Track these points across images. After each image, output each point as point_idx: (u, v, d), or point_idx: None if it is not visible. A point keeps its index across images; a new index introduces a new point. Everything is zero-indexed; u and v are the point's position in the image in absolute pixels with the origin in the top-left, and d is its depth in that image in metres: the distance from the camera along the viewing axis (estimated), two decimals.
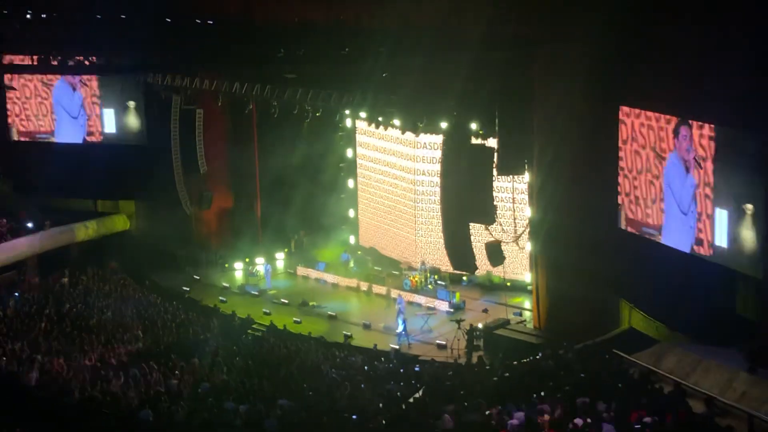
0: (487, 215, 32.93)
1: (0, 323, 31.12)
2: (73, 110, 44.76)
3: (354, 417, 22.40)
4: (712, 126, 24.06)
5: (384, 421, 21.50)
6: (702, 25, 23.93)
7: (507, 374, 24.87)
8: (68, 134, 45.01)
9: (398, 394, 24.60)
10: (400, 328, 31.76)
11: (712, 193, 24.30)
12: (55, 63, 34.37)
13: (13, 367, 27.02)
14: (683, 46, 24.63)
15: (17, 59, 38.18)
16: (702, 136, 24.50)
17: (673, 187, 25.93)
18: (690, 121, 24.81)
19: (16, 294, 35.07)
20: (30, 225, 41.32)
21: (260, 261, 41.31)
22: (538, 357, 26.80)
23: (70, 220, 42.50)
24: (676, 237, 26.14)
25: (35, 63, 34.76)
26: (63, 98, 44.79)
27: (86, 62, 34.60)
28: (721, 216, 24.07)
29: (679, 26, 24.90)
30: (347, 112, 39.08)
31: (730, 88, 22.80)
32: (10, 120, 45.46)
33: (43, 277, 38.03)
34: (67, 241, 41.46)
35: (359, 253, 41.77)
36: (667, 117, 25.60)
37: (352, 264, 40.88)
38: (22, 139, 45.68)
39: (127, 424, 22.88)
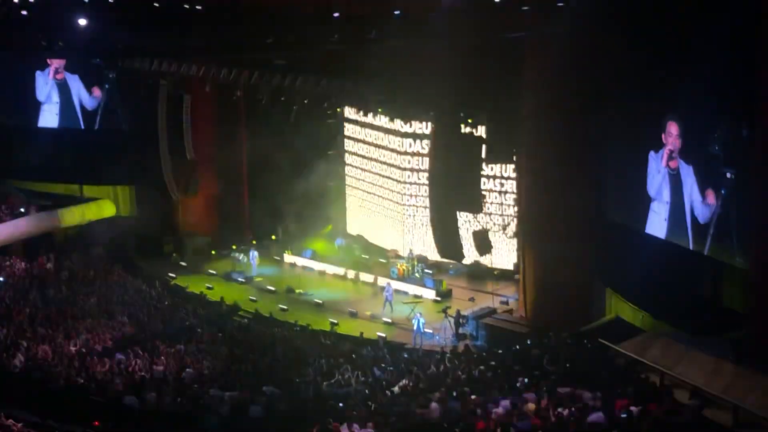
0: (475, 204, 32.94)
1: None
2: (42, 95, 44.60)
3: (340, 405, 22.43)
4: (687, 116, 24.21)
5: (371, 408, 21.55)
6: (687, 16, 23.95)
7: (493, 362, 24.94)
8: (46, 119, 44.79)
9: (384, 381, 24.64)
10: (415, 326, 31.61)
11: (691, 182, 24.40)
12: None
13: None
14: (669, 36, 24.63)
15: None
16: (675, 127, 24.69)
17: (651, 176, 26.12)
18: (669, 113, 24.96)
19: (0, 279, 34.88)
20: (23, 209, 41.11)
21: (247, 248, 41.19)
22: (524, 346, 26.85)
23: (55, 205, 42.27)
24: (658, 227, 26.23)
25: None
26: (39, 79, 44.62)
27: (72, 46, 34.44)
28: (702, 205, 24.16)
29: (664, 15, 24.90)
30: (336, 99, 38.93)
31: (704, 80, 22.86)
32: None
33: (28, 262, 37.82)
34: (52, 226, 41.24)
35: (346, 241, 41.71)
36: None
37: (338, 252, 40.84)
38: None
39: (112, 410, 22.88)
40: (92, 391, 24.01)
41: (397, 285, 36.23)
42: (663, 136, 25.22)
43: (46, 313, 31.09)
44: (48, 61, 43.42)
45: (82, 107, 43.95)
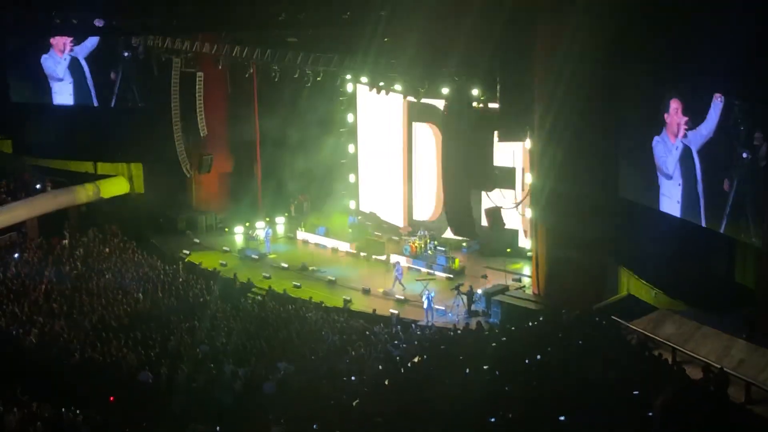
0: (488, 181, 32.92)
1: (0, 284, 31.21)
2: (58, 73, 44.77)
3: (353, 378, 22.54)
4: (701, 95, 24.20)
5: (385, 383, 21.65)
6: None
7: (504, 339, 24.98)
8: (61, 97, 45.01)
9: (398, 358, 24.73)
10: (425, 305, 31.66)
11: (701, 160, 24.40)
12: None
13: (13, 329, 27.17)
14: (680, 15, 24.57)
15: None
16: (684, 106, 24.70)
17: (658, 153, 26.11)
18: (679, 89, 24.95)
19: (17, 255, 35.10)
20: (38, 186, 41.31)
21: (260, 225, 41.31)
22: (536, 323, 26.89)
23: (70, 183, 42.45)
24: (671, 205, 26.23)
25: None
26: (47, 61, 44.80)
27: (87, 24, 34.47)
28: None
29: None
30: (348, 76, 38.87)
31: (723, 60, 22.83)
32: None
33: (44, 239, 38.04)
34: (67, 203, 41.42)
35: (359, 218, 41.78)
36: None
37: (350, 229, 40.95)
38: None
39: (126, 385, 23.06)
40: (107, 367, 24.21)
41: (409, 263, 36.33)
42: (666, 115, 25.23)
43: (62, 289, 31.28)
44: (51, 41, 43.61)
45: (96, 85, 44.16)
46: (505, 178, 34.51)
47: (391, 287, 34.37)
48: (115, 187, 44.28)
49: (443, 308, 32.11)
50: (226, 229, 42.43)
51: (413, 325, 30.22)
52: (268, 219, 42.04)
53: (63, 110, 45.14)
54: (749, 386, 19.80)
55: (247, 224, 41.79)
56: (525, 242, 36.13)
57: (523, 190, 34.21)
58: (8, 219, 37.76)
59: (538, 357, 21.84)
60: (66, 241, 37.74)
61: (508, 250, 36.59)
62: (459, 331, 26.83)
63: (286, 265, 37.80)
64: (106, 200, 43.42)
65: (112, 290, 31.59)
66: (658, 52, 25.60)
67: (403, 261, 36.44)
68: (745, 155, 23.15)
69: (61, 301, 29.87)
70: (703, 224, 25.07)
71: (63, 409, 20.91)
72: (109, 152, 44.55)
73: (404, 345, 26.49)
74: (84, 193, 42.32)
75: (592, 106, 28.80)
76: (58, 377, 23.37)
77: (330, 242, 40.09)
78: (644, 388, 18.43)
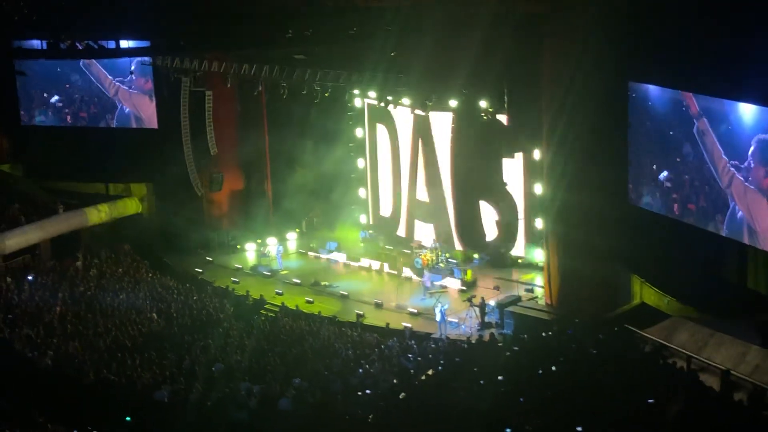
0: (498, 193, 32.94)
1: (15, 307, 31.34)
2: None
3: (368, 392, 22.56)
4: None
5: (400, 397, 21.66)
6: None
7: (518, 350, 24.97)
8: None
9: (411, 371, 24.74)
10: (438, 317, 31.70)
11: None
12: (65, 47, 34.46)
13: (28, 351, 27.28)
14: (693, 21, 24.59)
15: None
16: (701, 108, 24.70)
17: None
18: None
19: (30, 278, 35.25)
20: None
21: (272, 242, 41.38)
22: (550, 333, 26.87)
23: (82, 204, 42.62)
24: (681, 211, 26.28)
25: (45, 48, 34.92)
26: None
27: (95, 46, 34.66)
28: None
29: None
30: (356, 92, 38.98)
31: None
32: None
33: (57, 261, 38.19)
34: (79, 225, 41.58)
35: (370, 232, 41.82)
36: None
37: (362, 243, 41.01)
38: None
39: (142, 404, 23.12)
40: (122, 387, 24.29)
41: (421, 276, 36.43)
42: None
43: (76, 310, 31.39)
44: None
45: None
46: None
47: (423, 296, 34.78)
48: (127, 207, 44.44)
49: (456, 320, 32.11)
50: (238, 247, 42.49)
51: (427, 339, 30.23)
52: (279, 235, 42.10)
53: (74, 132, 45.50)
54: (764, 392, 19.75)
55: (259, 241, 41.86)
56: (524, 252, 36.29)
57: (524, 200, 34.30)
58: (21, 242, 37.94)
59: (553, 368, 21.83)
60: (79, 263, 37.88)
61: (520, 260, 36.59)
62: (472, 343, 26.84)
63: (298, 281, 37.85)
64: (119, 220, 43.59)
65: (126, 310, 31.70)
66: (672, 61, 25.61)
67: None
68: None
69: (76, 323, 29.99)
70: (715, 230, 25.13)
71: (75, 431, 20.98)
72: (121, 173, 44.75)
73: (418, 358, 26.50)
74: (96, 215, 42.47)
75: (602, 115, 28.82)
76: (73, 398, 23.45)
77: (342, 257, 40.14)
78: (659, 396, 18.41)
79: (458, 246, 37.03)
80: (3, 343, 28.04)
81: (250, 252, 41.84)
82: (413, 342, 29.13)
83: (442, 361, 25.14)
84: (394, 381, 23.84)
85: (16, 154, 47.00)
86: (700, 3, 24.34)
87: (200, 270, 39.67)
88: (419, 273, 36.55)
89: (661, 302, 27.48)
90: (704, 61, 23.95)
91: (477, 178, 32.85)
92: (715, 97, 24.46)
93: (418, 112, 35.67)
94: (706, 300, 25.41)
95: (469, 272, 36.03)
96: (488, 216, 34.32)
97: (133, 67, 43.48)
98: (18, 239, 37.76)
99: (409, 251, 39.20)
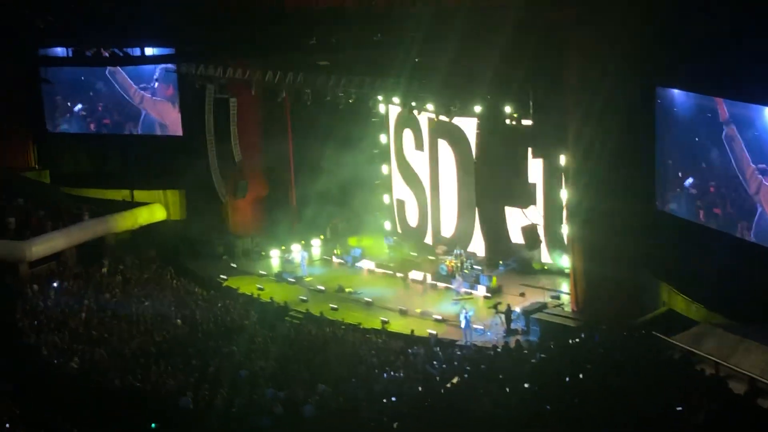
0: (524, 198, 32.79)
1: (40, 313, 31.46)
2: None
3: (393, 399, 22.45)
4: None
5: (425, 404, 21.55)
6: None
7: (544, 357, 24.80)
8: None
9: (437, 378, 24.61)
10: (463, 324, 31.60)
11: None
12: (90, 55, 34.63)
13: (53, 358, 27.35)
14: (719, 25, 24.40)
15: None
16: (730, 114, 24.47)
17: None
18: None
19: (56, 284, 35.38)
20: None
21: (296, 248, 41.41)
22: (576, 340, 26.70)
23: (107, 211, 42.80)
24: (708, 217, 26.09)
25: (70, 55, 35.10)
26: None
27: (120, 54, 34.79)
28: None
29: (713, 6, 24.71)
30: (380, 98, 38.96)
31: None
32: None
33: (83, 268, 38.32)
34: (104, 232, 41.75)
35: (395, 239, 41.76)
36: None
37: (387, 250, 40.92)
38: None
39: (167, 411, 23.11)
40: (147, 393, 24.29)
41: (446, 282, 36.32)
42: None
43: (101, 317, 31.48)
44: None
45: None
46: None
47: (455, 300, 34.79)
48: (153, 214, 44.61)
49: (481, 327, 31.98)
50: (263, 253, 42.54)
51: (452, 346, 30.11)
52: (303, 242, 42.08)
53: (98, 139, 45.80)
54: None
55: (283, 248, 41.91)
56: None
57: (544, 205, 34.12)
58: (47, 248, 38.11)
59: (579, 375, 21.66)
60: (104, 269, 37.99)
61: (546, 267, 36.42)
62: (498, 350, 26.68)
63: (322, 288, 37.83)
64: (144, 227, 43.75)
65: (151, 316, 31.75)
66: (703, 65, 25.40)
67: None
68: None
69: (101, 329, 30.05)
70: (743, 236, 24.88)
71: None
72: (145, 180, 44.94)
73: (443, 365, 26.37)
74: (121, 221, 42.66)
75: (628, 120, 28.65)
76: (98, 405, 23.47)
77: (366, 264, 40.07)
78: (687, 403, 18.20)
79: (483, 252, 36.91)
80: (30, 349, 28.14)
81: (274, 258, 41.91)
82: (438, 349, 29.01)
83: (467, 368, 24.97)
84: (419, 388, 23.71)
85: (43, 162, 47.36)
86: (731, 6, 24.14)
87: (225, 276, 39.74)
88: (449, 278, 36.46)
89: (688, 309, 27.24)
90: (736, 65, 23.71)
91: (502, 183, 32.70)
92: (747, 102, 24.21)
93: (443, 117, 35.58)
94: (734, 306, 25.15)
95: (494, 279, 35.91)
96: (513, 221, 34.20)
97: (157, 75, 43.71)
98: (44, 246, 37.94)
99: (433, 258, 39.15)
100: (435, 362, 26.83)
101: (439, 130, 38.31)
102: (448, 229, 39.53)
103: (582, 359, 23.56)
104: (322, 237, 43.21)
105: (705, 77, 25.32)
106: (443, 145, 38.72)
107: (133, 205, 44.60)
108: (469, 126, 36.08)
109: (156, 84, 44.13)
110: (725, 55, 24.08)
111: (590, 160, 30.00)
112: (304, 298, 36.60)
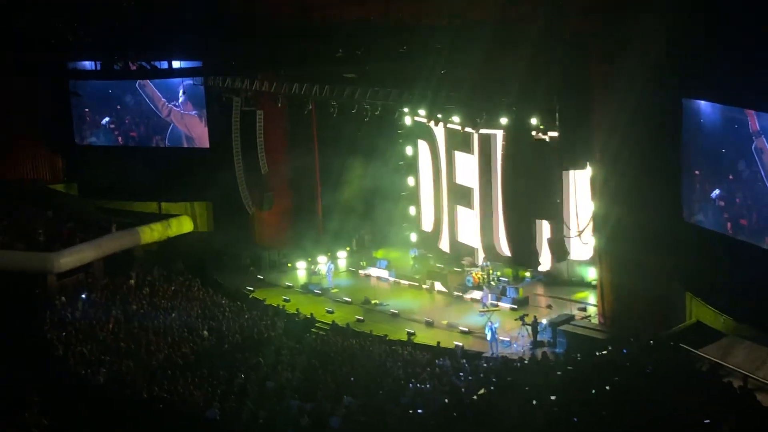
0: (552, 211, 32.71)
1: (68, 325, 31.66)
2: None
3: (419, 411, 22.42)
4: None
5: (452, 416, 21.49)
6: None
7: (571, 369, 24.69)
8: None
9: (463, 390, 24.56)
10: (489, 336, 31.54)
11: None
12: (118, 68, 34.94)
13: (81, 369, 27.51)
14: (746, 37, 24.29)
15: None
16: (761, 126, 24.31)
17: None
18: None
19: (84, 296, 35.60)
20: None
21: (322, 260, 41.48)
22: (603, 352, 26.56)
23: (135, 223, 43.05)
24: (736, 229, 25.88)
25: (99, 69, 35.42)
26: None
27: (148, 67, 35.07)
28: None
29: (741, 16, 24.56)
30: (406, 110, 39.01)
31: None
32: None
33: (110, 279, 38.54)
34: (132, 244, 41.97)
35: (421, 250, 41.75)
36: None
37: (412, 263, 40.91)
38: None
39: (194, 422, 23.18)
40: (174, 405, 24.37)
41: (472, 294, 36.27)
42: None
43: (129, 328, 31.64)
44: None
45: None
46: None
47: (481, 312, 34.75)
48: (180, 226, 44.80)
49: (508, 339, 31.90)
50: (289, 265, 42.64)
51: (479, 358, 30.05)
52: (329, 253, 42.16)
53: (126, 152, 46.17)
54: None
55: (309, 259, 41.99)
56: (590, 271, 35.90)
57: (577, 218, 34.00)
58: (75, 260, 38.31)
59: (606, 387, 21.54)
60: (132, 281, 38.19)
61: (573, 279, 36.30)
62: (525, 362, 26.60)
63: (348, 300, 37.88)
64: (171, 239, 43.96)
65: (178, 328, 31.88)
66: (733, 77, 25.27)
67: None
68: None
69: (129, 341, 30.20)
70: None
71: None
72: (173, 192, 45.21)
73: (470, 377, 26.32)
74: (149, 233, 42.84)
75: (655, 132, 28.55)
76: (126, 416, 23.57)
77: (392, 275, 40.08)
78: (715, 416, 18.07)
79: (509, 263, 36.87)
80: (57, 361, 28.32)
81: (300, 270, 42.00)
82: (465, 361, 28.96)
83: (493, 380, 24.90)
84: (446, 400, 23.67)
85: (71, 174, 47.78)
86: (757, 16, 24.01)
87: (251, 288, 39.87)
88: (477, 289, 36.39)
89: (716, 321, 27.05)
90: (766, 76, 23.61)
91: (529, 196, 32.64)
92: None
93: (468, 129, 35.58)
94: (763, 318, 24.96)
95: (520, 290, 35.83)
96: (541, 234, 34.13)
97: (184, 88, 44.01)
98: (72, 258, 38.15)
99: (459, 269, 39.09)
100: (461, 374, 26.78)
101: (460, 141, 38.30)
102: (469, 237, 39.51)
103: (609, 372, 23.43)
104: (348, 249, 43.27)
105: (736, 89, 25.16)
106: (462, 156, 38.75)
107: (160, 217, 44.84)
108: (495, 138, 36.06)
109: (183, 96, 44.42)
110: (759, 67, 23.95)
111: (617, 172, 29.90)
112: (330, 309, 36.66)
